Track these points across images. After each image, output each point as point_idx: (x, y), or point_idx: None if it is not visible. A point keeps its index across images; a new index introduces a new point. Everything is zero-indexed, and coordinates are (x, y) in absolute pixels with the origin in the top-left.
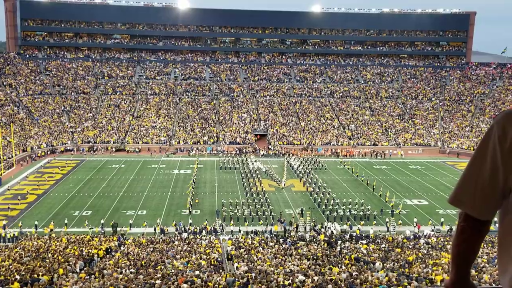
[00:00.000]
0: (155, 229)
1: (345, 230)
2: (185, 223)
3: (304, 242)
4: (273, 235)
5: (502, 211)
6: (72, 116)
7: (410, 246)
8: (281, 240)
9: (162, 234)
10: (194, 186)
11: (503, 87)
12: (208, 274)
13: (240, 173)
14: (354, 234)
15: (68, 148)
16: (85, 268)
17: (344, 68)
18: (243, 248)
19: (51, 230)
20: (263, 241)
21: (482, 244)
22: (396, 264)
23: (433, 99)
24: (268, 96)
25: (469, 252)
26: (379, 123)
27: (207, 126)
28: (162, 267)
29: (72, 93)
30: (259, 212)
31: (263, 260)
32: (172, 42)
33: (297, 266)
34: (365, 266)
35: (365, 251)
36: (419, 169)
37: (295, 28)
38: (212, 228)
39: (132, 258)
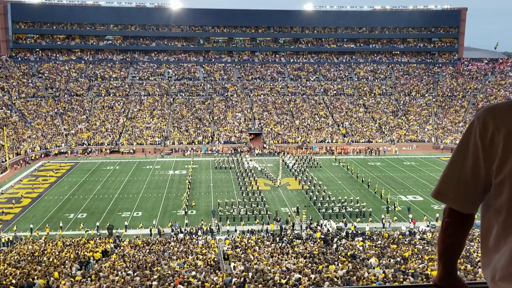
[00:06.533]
0: (151, 230)
1: (341, 227)
2: (181, 224)
3: (300, 240)
4: (269, 234)
5: (484, 204)
6: (65, 118)
7: (406, 242)
8: (277, 238)
9: (158, 235)
10: (189, 187)
11: (495, 82)
12: (205, 275)
13: (236, 173)
14: (350, 231)
15: (62, 150)
16: (81, 271)
17: (337, 66)
18: (239, 248)
19: (48, 233)
20: (259, 240)
21: (476, 239)
22: (392, 260)
23: (426, 95)
24: (262, 95)
25: (455, 246)
26: (373, 120)
27: (201, 126)
28: (159, 268)
29: (65, 95)
30: (255, 211)
31: (260, 259)
32: (165, 42)
33: (294, 264)
34: (362, 263)
35: (361, 248)
36: (413, 165)
37: (288, 26)
38: (208, 228)
39: (128, 260)
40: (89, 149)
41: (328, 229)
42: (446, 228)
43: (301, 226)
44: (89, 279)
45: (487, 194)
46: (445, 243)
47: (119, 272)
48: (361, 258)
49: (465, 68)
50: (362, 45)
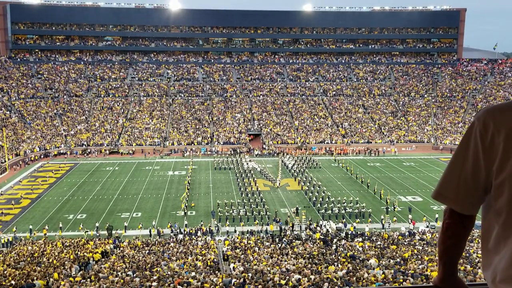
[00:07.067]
0: (150, 231)
1: (340, 228)
2: (180, 225)
3: (300, 241)
4: (269, 235)
5: (485, 206)
6: (65, 119)
7: (406, 243)
8: (277, 239)
9: (158, 236)
10: (189, 188)
11: (494, 83)
12: (205, 275)
13: (235, 173)
14: (350, 232)
15: (62, 151)
16: (80, 272)
17: (336, 66)
18: (239, 248)
19: (45, 234)
20: (259, 241)
21: (476, 239)
22: (391, 261)
23: (425, 95)
24: (261, 96)
25: (455, 248)
26: (372, 120)
27: (200, 127)
28: (158, 269)
29: (65, 96)
30: (254, 212)
31: (259, 260)
32: (164, 43)
33: (293, 265)
34: (361, 264)
35: (360, 249)
36: (413, 166)
37: (287, 27)
38: (208, 229)
39: (128, 261)
40: (89, 150)
41: (327, 229)
42: (446, 229)
43: (300, 227)
44: (88, 280)
45: (487, 195)
46: (446, 244)
47: (119, 273)
48: (360, 259)
49: (464, 69)
50: (361, 45)
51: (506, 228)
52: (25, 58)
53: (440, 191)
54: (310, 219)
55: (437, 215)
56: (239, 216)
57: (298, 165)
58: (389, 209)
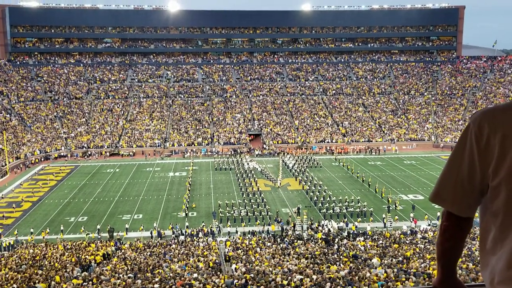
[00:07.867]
0: (151, 233)
1: (342, 227)
2: (181, 226)
3: (301, 241)
4: (270, 235)
5: (482, 207)
6: (65, 121)
7: (408, 242)
8: (278, 239)
9: (159, 238)
10: (190, 189)
11: (494, 80)
12: (207, 277)
13: (236, 174)
14: (351, 231)
15: (62, 154)
16: (82, 274)
17: (336, 65)
18: (240, 249)
19: (43, 237)
20: (260, 242)
21: (478, 237)
22: (394, 260)
23: (425, 93)
24: (261, 96)
25: (453, 250)
26: (372, 119)
27: (201, 127)
28: (160, 271)
29: (64, 99)
30: (255, 212)
31: (261, 261)
32: (164, 44)
33: (295, 265)
34: (364, 263)
35: (362, 248)
36: (414, 164)
37: (286, 27)
38: (209, 230)
39: (130, 263)
40: (89, 152)
41: (329, 229)
42: (444, 231)
43: (302, 226)
44: (90, 282)
45: (484, 197)
46: (444, 246)
47: (121, 275)
48: (363, 258)
49: (464, 66)
50: (360, 44)
51: (502, 230)
52: (24, 61)
53: (437, 194)
54: (311, 218)
55: (438, 213)
56: (241, 217)
57: (299, 164)
58: (390, 208)
